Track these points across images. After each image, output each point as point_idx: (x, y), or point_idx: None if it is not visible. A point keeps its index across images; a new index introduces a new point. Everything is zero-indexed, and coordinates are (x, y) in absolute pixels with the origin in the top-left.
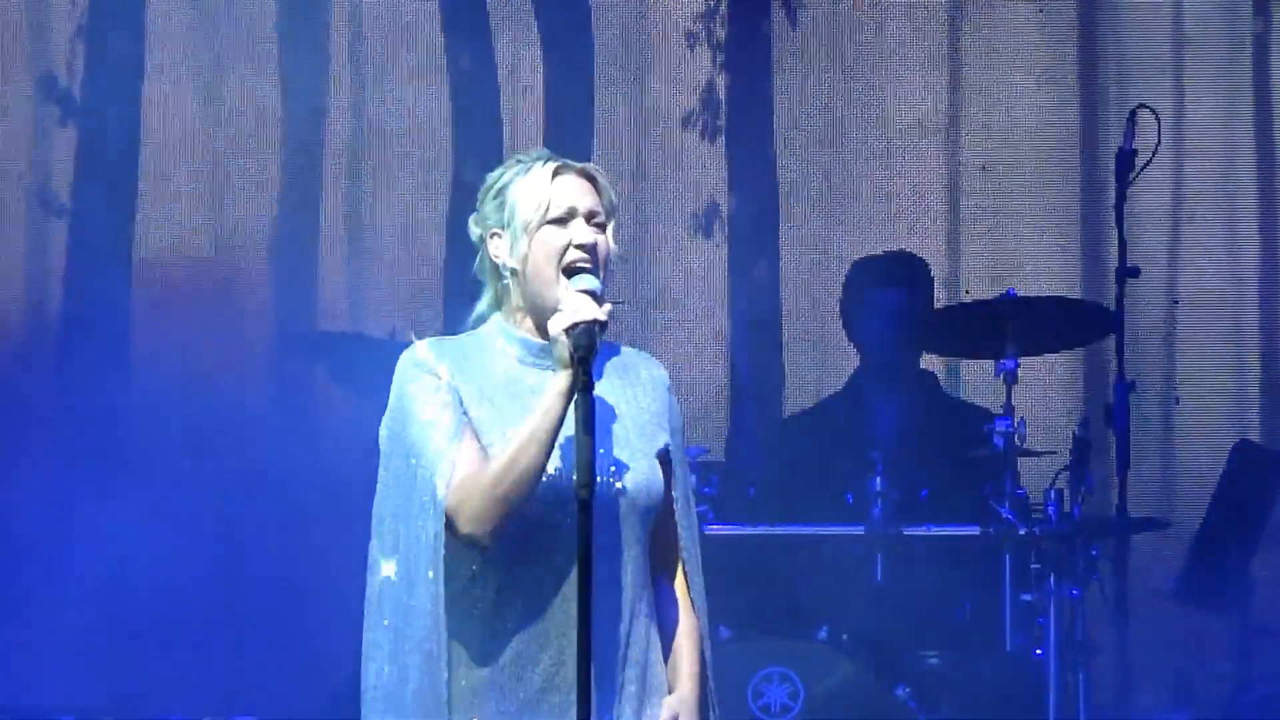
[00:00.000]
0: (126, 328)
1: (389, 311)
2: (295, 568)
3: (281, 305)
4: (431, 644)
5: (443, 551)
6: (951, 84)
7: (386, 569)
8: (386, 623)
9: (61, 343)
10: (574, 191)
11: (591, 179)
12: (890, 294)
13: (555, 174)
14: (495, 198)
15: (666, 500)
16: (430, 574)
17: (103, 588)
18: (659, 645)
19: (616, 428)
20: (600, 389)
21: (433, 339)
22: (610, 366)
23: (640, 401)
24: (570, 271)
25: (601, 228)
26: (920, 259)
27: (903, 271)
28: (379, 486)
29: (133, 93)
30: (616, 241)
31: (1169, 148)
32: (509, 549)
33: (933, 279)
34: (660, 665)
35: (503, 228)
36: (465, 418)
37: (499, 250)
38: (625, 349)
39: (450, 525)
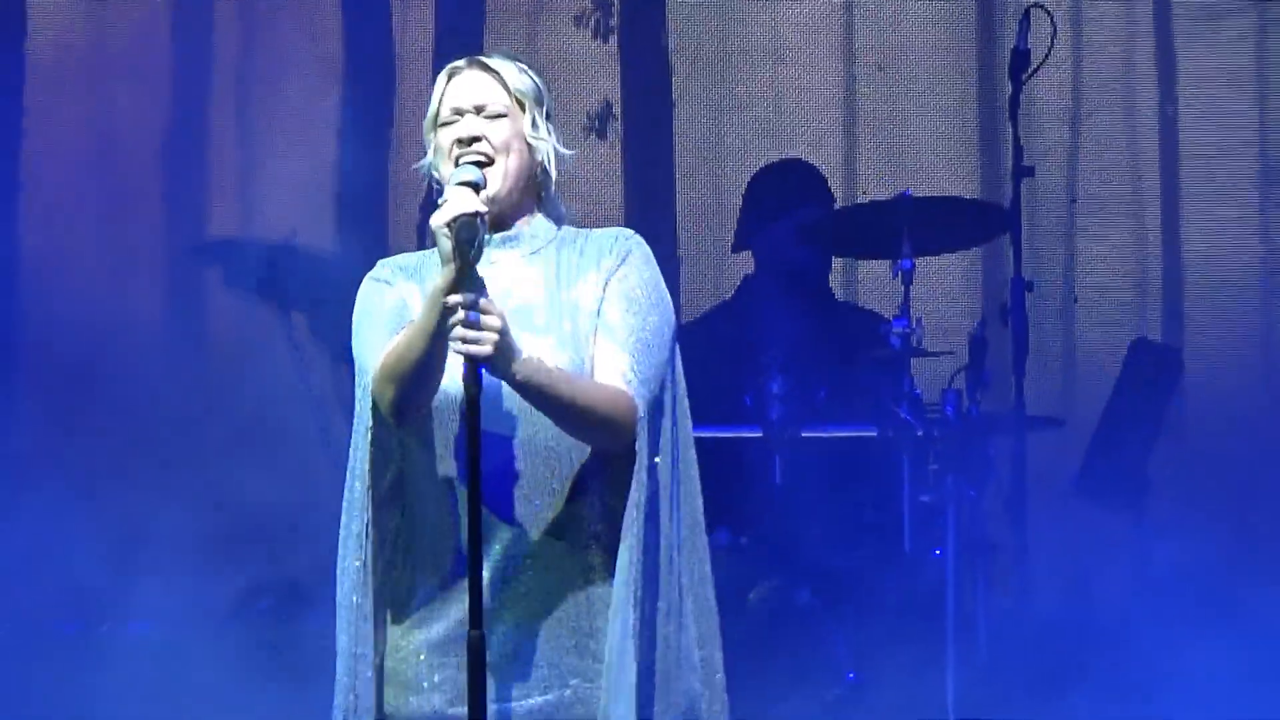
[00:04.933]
0: (14, 235)
1: (282, 215)
2: (189, 479)
3: (171, 212)
4: (356, 543)
5: (368, 443)
6: None
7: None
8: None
9: None
10: (461, 89)
11: (488, 70)
12: (784, 201)
13: (450, 76)
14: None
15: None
16: (362, 477)
17: None
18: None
19: (538, 315)
20: (530, 275)
21: (391, 256)
22: (555, 253)
23: (575, 279)
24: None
25: (499, 116)
26: (813, 166)
27: (796, 178)
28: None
29: None
30: (537, 125)
31: (1067, 45)
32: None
33: (827, 185)
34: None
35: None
36: (408, 317)
37: (428, 165)
38: (594, 231)
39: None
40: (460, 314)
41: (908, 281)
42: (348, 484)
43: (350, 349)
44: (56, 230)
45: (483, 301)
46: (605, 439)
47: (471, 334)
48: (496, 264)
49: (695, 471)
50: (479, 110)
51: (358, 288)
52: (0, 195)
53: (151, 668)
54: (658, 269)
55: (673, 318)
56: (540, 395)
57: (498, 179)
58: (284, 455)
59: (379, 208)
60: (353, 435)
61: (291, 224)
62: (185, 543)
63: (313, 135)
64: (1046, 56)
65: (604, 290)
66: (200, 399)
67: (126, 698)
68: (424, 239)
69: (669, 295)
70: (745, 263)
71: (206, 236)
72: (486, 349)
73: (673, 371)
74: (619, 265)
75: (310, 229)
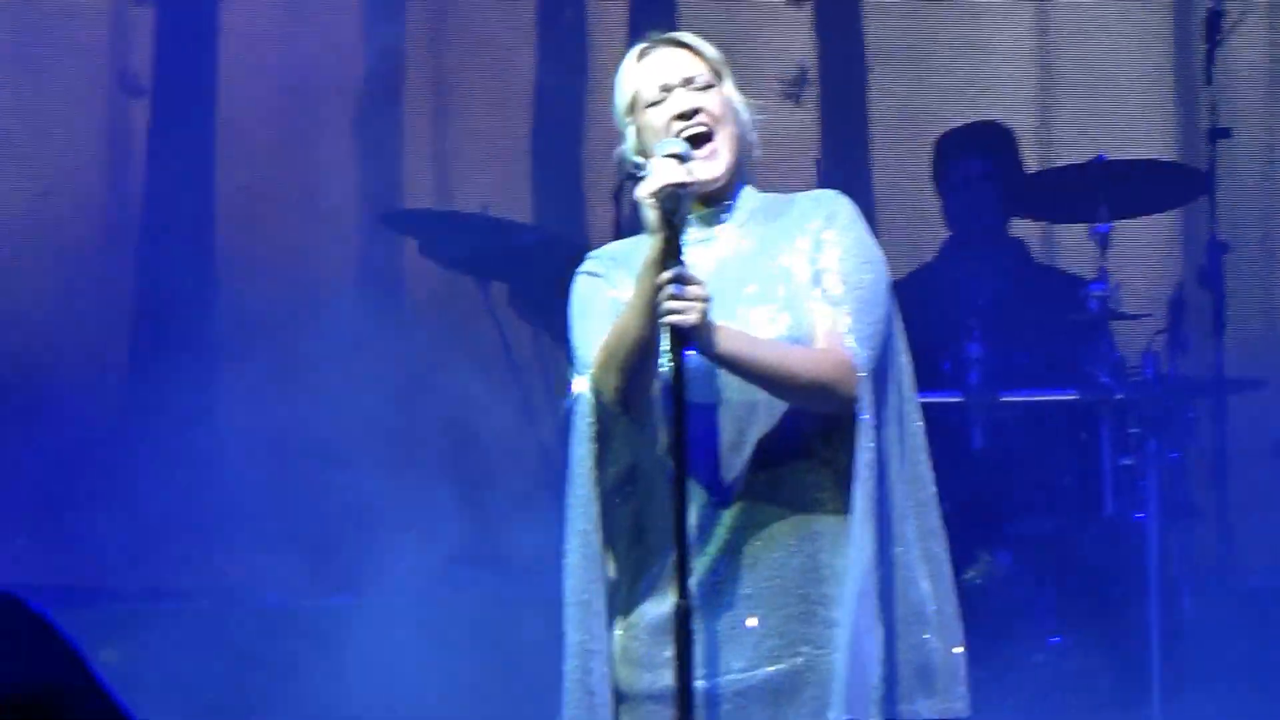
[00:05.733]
0: (210, 206)
1: (477, 185)
2: (388, 445)
3: (367, 181)
4: (586, 524)
5: (590, 437)
6: None
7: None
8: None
9: (144, 222)
10: (662, 66)
11: (683, 45)
12: (978, 163)
13: (641, 56)
14: (614, 103)
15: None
16: (582, 476)
17: (196, 471)
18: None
19: (752, 284)
20: (742, 244)
21: (600, 249)
22: (763, 220)
23: (785, 244)
24: (690, 143)
25: (708, 87)
26: (1006, 127)
27: (988, 140)
28: None
29: None
30: (736, 90)
31: (1264, 4)
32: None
33: (1019, 147)
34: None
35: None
36: (619, 306)
37: (630, 151)
38: (798, 195)
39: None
40: (667, 287)
41: (1105, 245)
42: (569, 481)
43: (552, 323)
44: (252, 195)
45: (686, 272)
46: (823, 401)
47: (678, 304)
48: (713, 239)
49: (920, 424)
50: (688, 83)
51: (554, 257)
52: (195, 163)
53: (358, 639)
54: (866, 225)
55: (886, 273)
56: (744, 364)
57: (724, 150)
58: (485, 426)
59: (573, 178)
60: (572, 433)
61: (486, 195)
62: (385, 515)
63: (507, 105)
64: (1242, 17)
65: (815, 253)
66: (398, 371)
67: (334, 671)
68: (620, 209)
69: (881, 251)
70: (942, 227)
71: (401, 206)
72: (693, 318)
73: (891, 325)
74: (827, 226)
75: (505, 200)
